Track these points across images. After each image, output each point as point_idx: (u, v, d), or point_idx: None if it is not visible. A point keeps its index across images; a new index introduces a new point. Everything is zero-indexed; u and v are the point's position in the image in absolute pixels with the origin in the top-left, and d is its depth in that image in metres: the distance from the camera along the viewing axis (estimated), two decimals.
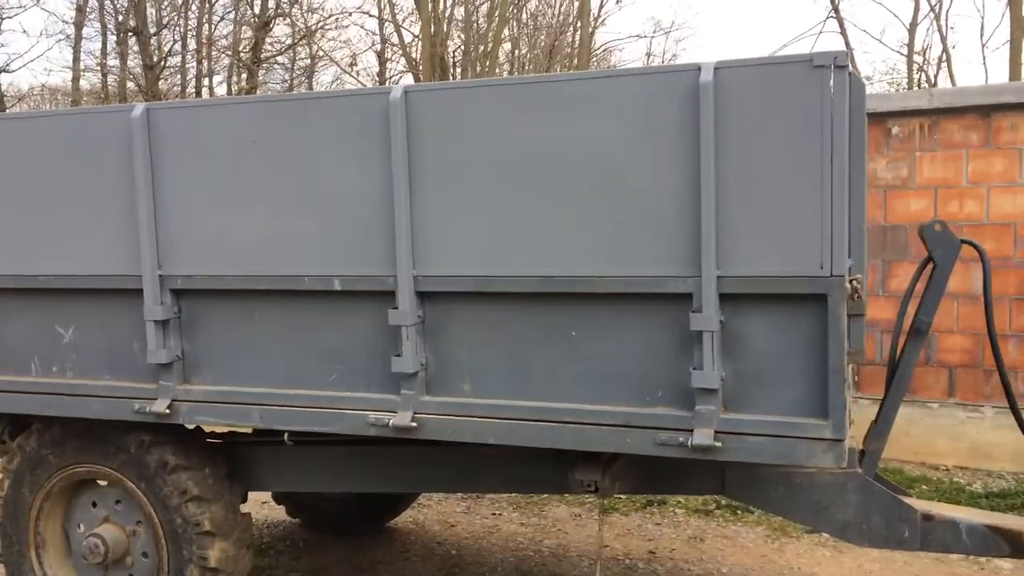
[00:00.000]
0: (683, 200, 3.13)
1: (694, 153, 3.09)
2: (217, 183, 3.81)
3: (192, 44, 22.90)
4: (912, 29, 22.49)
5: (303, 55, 24.86)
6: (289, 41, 23.77)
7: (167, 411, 3.94)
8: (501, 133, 3.34)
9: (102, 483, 4.46)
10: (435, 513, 6.72)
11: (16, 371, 4.31)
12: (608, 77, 3.35)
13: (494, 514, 6.73)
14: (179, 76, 23.19)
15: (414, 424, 3.54)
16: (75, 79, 22.65)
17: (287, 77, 24.38)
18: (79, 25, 22.14)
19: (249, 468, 4.49)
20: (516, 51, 25.88)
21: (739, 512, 6.54)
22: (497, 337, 3.47)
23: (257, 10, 23.19)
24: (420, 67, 19.67)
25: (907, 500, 3.69)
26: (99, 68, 23.04)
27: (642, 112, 3.16)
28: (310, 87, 23.54)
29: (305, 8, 23.45)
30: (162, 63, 21.97)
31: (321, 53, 23.82)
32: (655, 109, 3.15)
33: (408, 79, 21.52)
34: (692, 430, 3.16)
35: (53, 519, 4.55)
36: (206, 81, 23.13)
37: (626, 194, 3.22)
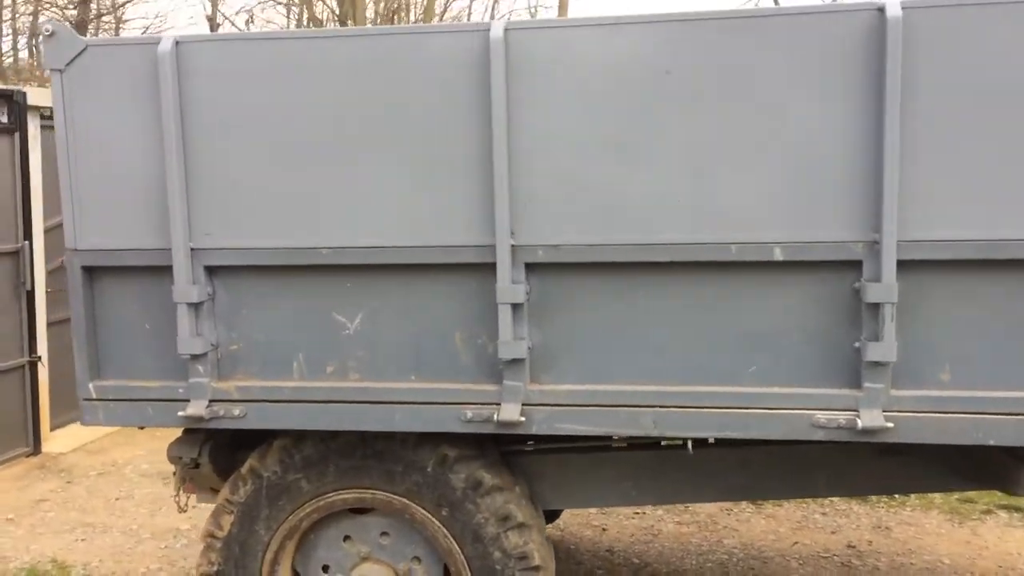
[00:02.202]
0: None
1: None
2: (595, 127, 2.98)
3: None
4: None
5: None
6: None
7: (520, 418, 3.08)
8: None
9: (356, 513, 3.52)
10: (569, 516, 6.00)
11: (271, 374, 3.30)
12: None
13: (637, 514, 6.08)
14: None
15: (888, 424, 2.88)
16: None
17: None
18: None
19: (532, 485, 3.66)
20: None
21: (893, 496, 6.21)
22: (993, 315, 2.85)
23: None
24: None
25: None
26: None
27: None
28: None
29: None
30: None
31: None
32: None
33: None
34: None
35: (286, 561, 3.56)
36: None
37: None
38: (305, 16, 17.01)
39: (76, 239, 3.29)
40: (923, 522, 5.85)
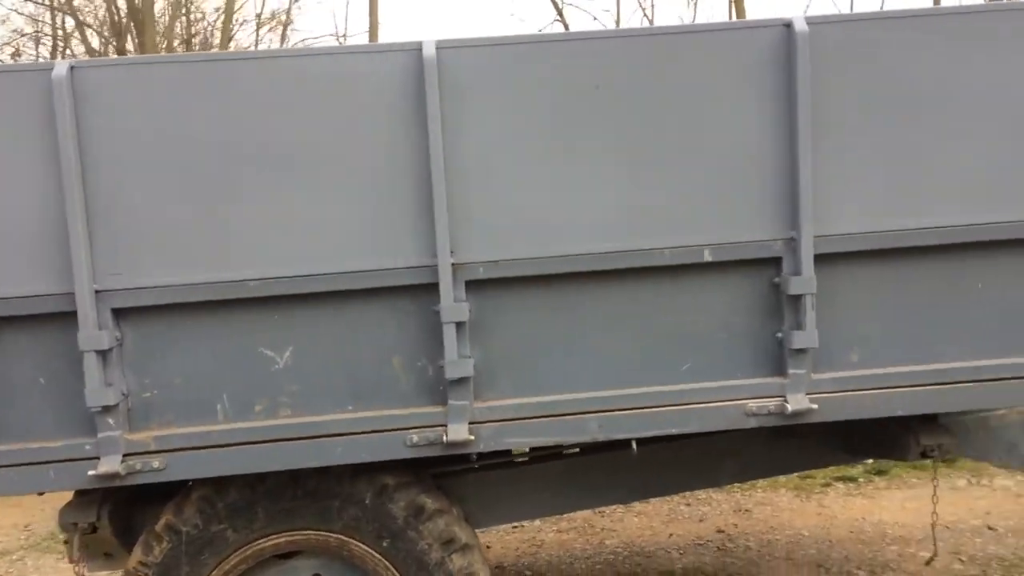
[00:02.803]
0: None
1: None
2: (530, 141, 3.03)
3: None
4: None
5: None
6: None
7: (469, 437, 3.05)
8: (921, 67, 3.05)
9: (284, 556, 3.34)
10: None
11: (192, 420, 3.07)
12: None
13: (515, 528, 6.15)
14: None
15: (813, 406, 3.11)
16: None
17: None
18: None
19: (464, 502, 3.63)
20: None
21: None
22: (901, 297, 3.16)
23: None
24: None
25: None
26: None
27: None
28: None
29: None
30: None
31: None
32: None
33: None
34: None
35: None
36: None
37: None
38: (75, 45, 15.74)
39: None
40: (775, 501, 6.30)
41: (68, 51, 15.77)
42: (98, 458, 2.99)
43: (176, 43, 15.48)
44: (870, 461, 6.27)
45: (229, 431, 3.05)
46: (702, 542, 5.66)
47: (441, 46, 2.97)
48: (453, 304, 2.99)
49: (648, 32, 3.10)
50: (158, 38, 14.15)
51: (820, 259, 3.07)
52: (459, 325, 3.02)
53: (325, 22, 43.20)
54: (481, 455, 3.63)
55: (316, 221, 3.02)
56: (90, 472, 2.97)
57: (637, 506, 6.28)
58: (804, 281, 3.04)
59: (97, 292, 2.93)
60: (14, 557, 6.22)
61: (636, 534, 5.87)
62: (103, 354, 2.95)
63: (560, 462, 3.76)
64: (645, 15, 14.21)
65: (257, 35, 17.73)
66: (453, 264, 3.00)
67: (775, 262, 3.10)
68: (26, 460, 3.00)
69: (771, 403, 3.12)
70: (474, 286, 3.05)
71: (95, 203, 2.94)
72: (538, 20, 24.42)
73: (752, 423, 3.14)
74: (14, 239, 2.94)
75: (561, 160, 3.04)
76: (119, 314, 2.98)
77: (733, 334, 3.14)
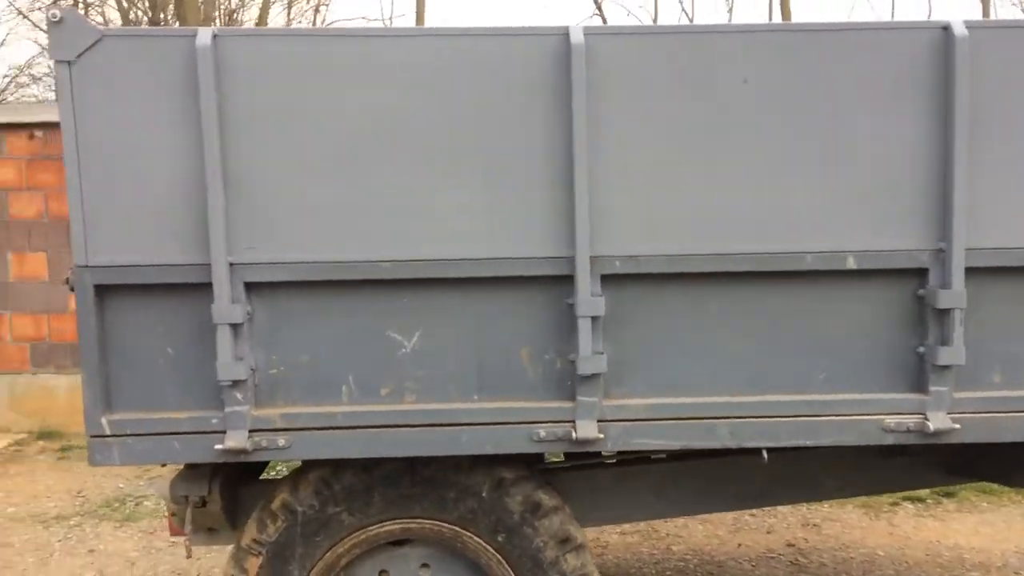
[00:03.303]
0: None
1: None
2: (673, 135, 2.95)
3: None
4: None
5: None
6: None
7: (599, 435, 2.99)
8: None
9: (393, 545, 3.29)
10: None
11: (318, 399, 3.02)
12: None
13: (756, 516, 6.07)
14: None
15: (956, 426, 3.01)
16: None
17: None
18: None
19: (570, 500, 3.55)
20: None
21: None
22: None
23: None
24: None
25: None
26: None
27: None
28: None
29: None
30: None
31: None
32: None
33: None
34: None
35: None
36: None
37: None
38: None
39: (87, 254, 2.88)
40: (843, 517, 6.19)
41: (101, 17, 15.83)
42: (224, 432, 2.95)
43: (214, 15, 15.47)
44: None
45: (354, 413, 3.00)
46: (773, 555, 5.56)
47: (589, 32, 2.90)
48: (590, 298, 2.92)
49: (802, 28, 3.01)
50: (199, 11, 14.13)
51: (969, 272, 2.98)
52: (594, 320, 2.95)
53: (370, 5, 43.19)
54: (569, 454, 3.54)
55: (451, 204, 2.96)
56: (217, 446, 2.93)
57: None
58: (954, 295, 2.95)
59: (231, 265, 2.89)
60: (71, 523, 6.22)
61: (703, 542, 5.78)
62: (235, 328, 2.90)
63: (667, 465, 3.68)
64: (684, 11, 14.06)
65: (288, 14, 17.74)
66: (591, 257, 2.93)
67: (921, 273, 3.00)
68: (151, 431, 2.96)
69: (910, 420, 3.03)
70: (610, 280, 2.98)
71: (233, 175, 2.89)
72: (571, 13, 24.14)
73: (889, 440, 3.05)
74: (149, 207, 2.90)
75: (704, 156, 2.96)
76: (251, 288, 2.94)
77: (872, 345, 3.05)
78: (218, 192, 2.85)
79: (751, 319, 3.04)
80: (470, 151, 2.94)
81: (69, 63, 2.82)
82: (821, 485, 3.87)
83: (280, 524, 3.15)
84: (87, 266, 2.88)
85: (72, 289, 2.93)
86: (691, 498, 3.75)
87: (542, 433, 3.00)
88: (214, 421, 2.96)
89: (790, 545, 5.69)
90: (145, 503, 6.56)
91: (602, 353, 2.97)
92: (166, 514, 3.46)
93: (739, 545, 5.68)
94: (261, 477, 3.72)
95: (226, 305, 2.87)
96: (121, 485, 7.00)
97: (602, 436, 2.99)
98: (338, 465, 3.14)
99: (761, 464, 3.58)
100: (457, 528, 3.18)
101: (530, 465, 3.33)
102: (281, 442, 2.96)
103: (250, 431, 2.96)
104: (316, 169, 2.92)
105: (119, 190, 2.88)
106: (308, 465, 3.19)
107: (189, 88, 2.85)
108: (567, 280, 2.96)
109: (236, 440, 2.92)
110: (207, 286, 2.90)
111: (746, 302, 3.03)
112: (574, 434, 2.97)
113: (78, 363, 3.09)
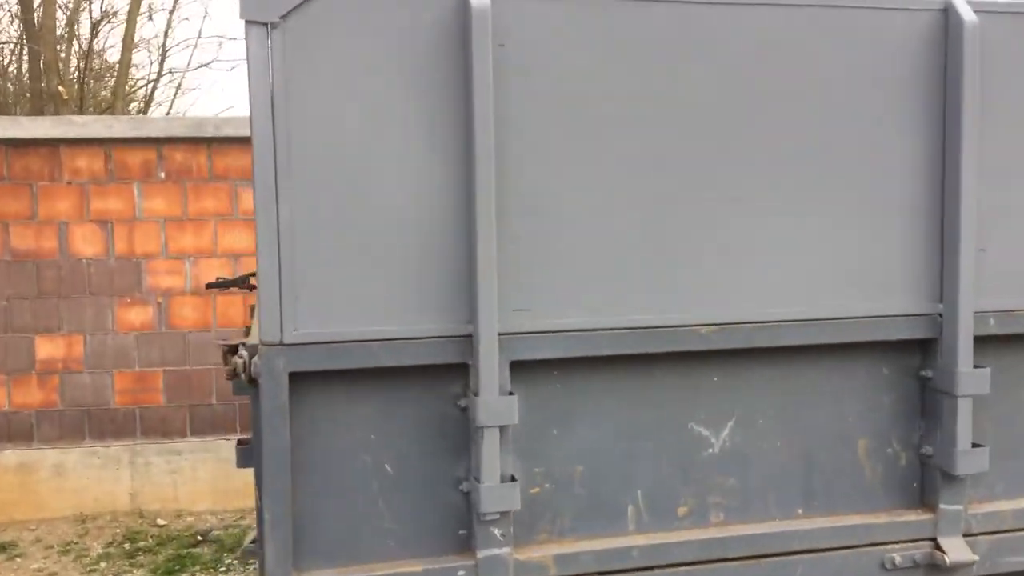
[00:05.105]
0: None
1: None
2: None
3: None
4: None
5: None
6: None
7: (973, 556, 2.21)
8: None
9: None
10: None
11: (593, 528, 2.10)
12: None
13: None
14: None
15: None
16: None
17: None
18: None
19: None
20: None
21: None
22: None
23: None
24: None
25: None
26: None
27: None
28: None
29: None
30: None
31: None
32: None
33: None
34: None
35: None
36: None
37: None
38: None
39: (282, 326, 1.84)
40: None
41: None
42: None
43: None
44: None
45: (650, 548, 2.08)
46: None
47: (978, 8, 2.16)
48: (972, 372, 2.15)
49: None
50: None
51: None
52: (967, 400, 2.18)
53: None
54: None
55: (781, 242, 2.13)
56: None
57: None
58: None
59: (499, 337, 1.93)
60: None
61: None
62: (502, 432, 1.94)
63: None
64: None
65: None
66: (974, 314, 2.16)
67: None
68: None
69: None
70: (983, 343, 2.22)
71: (508, 199, 1.95)
72: None
73: None
74: (384, 250, 1.91)
75: None
76: (515, 370, 1.99)
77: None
78: (489, 223, 1.90)
79: None
80: (829, 168, 2.13)
81: (268, 26, 1.80)
82: None
83: None
84: (282, 344, 1.84)
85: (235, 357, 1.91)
86: None
87: (897, 559, 2.19)
88: (460, 574, 1.97)
89: None
90: None
91: (983, 446, 2.20)
92: None
93: None
94: None
95: (494, 397, 1.91)
96: None
97: (976, 557, 2.21)
98: None
99: None
100: None
101: None
102: None
103: None
104: (608, 191, 2.02)
105: (337, 223, 1.88)
106: None
107: (443, 66, 1.90)
108: (922, 345, 2.19)
109: None
110: (452, 370, 1.94)
111: None
112: (944, 557, 2.17)
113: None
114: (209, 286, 4.59)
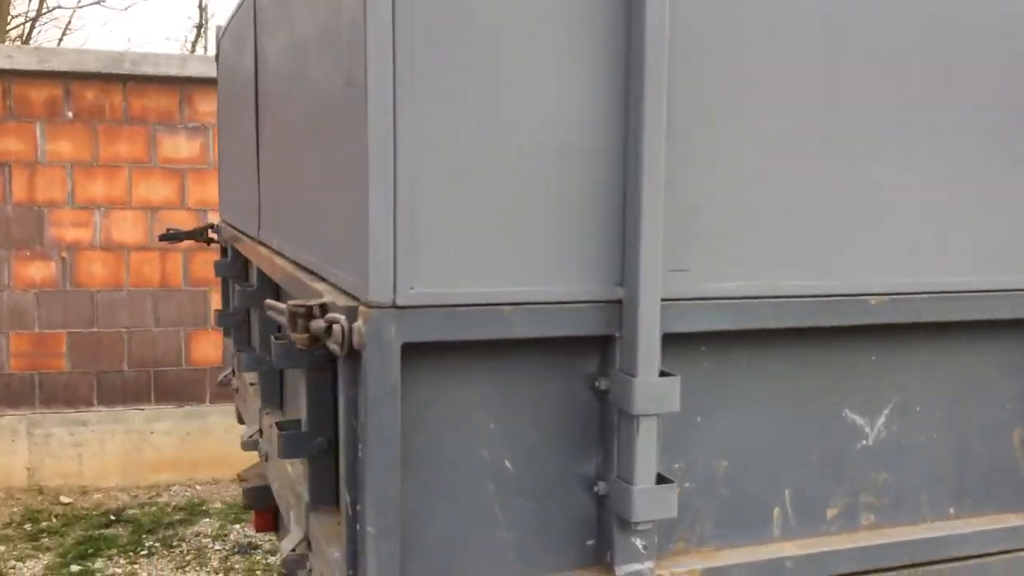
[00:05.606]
0: None
1: None
2: None
3: None
4: None
5: None
6: None
7: None
8: None
9: None
10: None
11: (738, 537, 1.74)
12: None
13: None
14: None
15: None
16: None
17: None
18: None
19: None
20: None
21: None
22: None
23: None
24: None
25: None
26: None
27: None
28: None
29: None
30: None
31: None
32: None
33: None
34: None
35: None
36: None
37: None
38: None
39: (395, 284, 1.39)
40: None
41: None
42: None
43: None
44: None
45: (803, 559, 1.74)
46: None
47: None
48: None
49: None
50: None
51: None
52: None
53: None
54: None
55: (986, 203, 1.81)
56: None
57: None
58: None
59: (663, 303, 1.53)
60: None
61: None
62: (656, 420, 1.55)
63: None
64: None
65: None
66: None
67: None
68: None
69: None
70: None
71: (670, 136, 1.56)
72: None
73: None
74: (516, 197, 1.48)
75: None
76: (665, 345, 1.59)
77: None
78: (658, 163, 1.49)
79: None
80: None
81: None
82: None
83: None
84: (394, 306, 1.39)
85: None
86: None
87: None
88: None
89: None
90: None
91: None
92: None
93: None
94: None
95: (654, 378, 1.51)
96: None
97: None
98: None
99: None
100: None
101: None
102: None
103: None
104: (781, 139, 1.64)
105: (462, 163, 1.43)
106: None
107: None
108: None
109: None
110: (587, 344, 1.54)
111: None
112: None
113: None
114: (162, 238, 4.03)
